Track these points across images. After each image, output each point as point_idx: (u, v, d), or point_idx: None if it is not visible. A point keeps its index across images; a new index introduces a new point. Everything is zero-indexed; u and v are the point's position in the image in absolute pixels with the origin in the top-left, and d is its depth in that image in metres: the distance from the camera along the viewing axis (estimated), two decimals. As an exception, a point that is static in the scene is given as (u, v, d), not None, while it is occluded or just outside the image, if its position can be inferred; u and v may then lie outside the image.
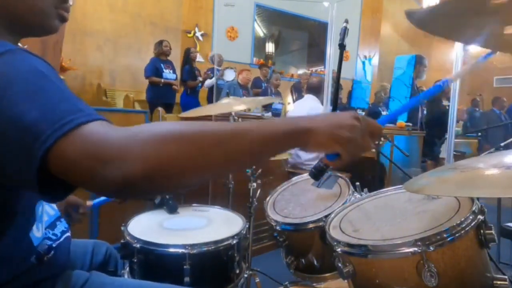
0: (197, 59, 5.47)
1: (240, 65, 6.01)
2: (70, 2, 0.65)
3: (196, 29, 6.61)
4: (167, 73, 4.78)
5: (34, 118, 0.43)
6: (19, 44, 0.65)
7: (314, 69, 7.97)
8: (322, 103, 3.03)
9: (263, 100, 2.78)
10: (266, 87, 5.82)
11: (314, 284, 1.20)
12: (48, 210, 0.79)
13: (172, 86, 4.82)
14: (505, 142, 2.05)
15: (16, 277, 0.64)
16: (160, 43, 4.86)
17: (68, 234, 0.84)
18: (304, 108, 3.09)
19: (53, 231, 0.79)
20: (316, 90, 3.14)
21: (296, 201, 1.26)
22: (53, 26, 0.64)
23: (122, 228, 1.16)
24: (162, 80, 4.70)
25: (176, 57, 5.22)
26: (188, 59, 5.18)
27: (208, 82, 5.12)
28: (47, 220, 0.78)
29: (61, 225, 0.83)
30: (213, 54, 5.44)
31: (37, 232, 0.70)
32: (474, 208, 0.76)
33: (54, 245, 0.75)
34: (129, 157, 0.42)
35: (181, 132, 0.46)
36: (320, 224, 1.05)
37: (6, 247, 0.61)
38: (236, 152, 0.50)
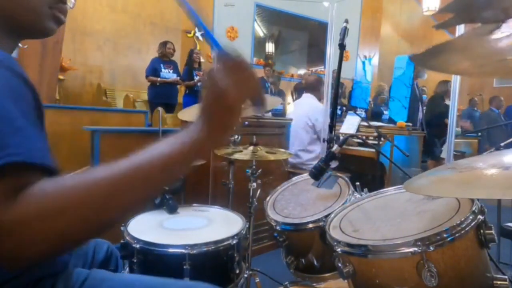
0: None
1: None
2: (70, 5, 0.64)
3: (196, 29, 6.60)
4: (165, 73, 4.80)
5: None
6: (19, 45, 0.65)
7: (314, 69, 7.97)
8: (321, 101, 3.03)
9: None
10: (268, 87, 5.81)
11: (314, 284, 1.20)
12: None
13: (174, 84, 4.85)
14: (505, 142, 2.04)
15: (16, 276, 0.64)
16: (164, 44, 4.86)
17: None
18: (303, 107, 3.11)
19: None
20: (313, 88, 3.15)
21: (296, 201, 1.25)
22: (47, 28, 0.62)
23: (122, 228, 1.16)
24: (158, 79, 4.73)
25: (176, 57, 5.23)
26: (189, 60, 5.18)
27: None
28: None
29: None
30: None
31: None
32: (474, 208, 0.76)
33: None
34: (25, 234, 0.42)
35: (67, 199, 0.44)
36: (320, 224, 1.05)
37: None
38: (130, 198, 0.48)
